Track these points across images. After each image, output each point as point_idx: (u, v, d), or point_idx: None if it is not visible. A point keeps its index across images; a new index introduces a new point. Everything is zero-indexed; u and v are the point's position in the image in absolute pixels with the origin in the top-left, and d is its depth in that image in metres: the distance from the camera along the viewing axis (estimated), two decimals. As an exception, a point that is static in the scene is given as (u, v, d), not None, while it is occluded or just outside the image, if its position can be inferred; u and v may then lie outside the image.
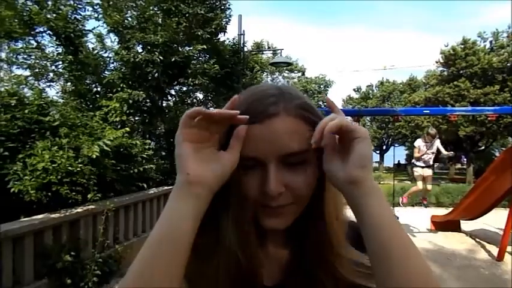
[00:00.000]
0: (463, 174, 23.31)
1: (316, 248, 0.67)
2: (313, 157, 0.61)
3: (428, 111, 8.94)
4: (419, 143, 7.01)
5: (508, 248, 5.91)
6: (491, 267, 5.57)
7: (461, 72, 20.52)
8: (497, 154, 23.60)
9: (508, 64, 19.56)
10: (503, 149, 17.53)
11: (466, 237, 7.18)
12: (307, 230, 0.68)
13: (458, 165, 28.10)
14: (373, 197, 0.56)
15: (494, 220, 7.20)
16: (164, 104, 9.17)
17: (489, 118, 7.02)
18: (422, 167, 6.83)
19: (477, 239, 7.01)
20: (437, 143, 6.95)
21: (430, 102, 21.06)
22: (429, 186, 6.84)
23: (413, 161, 7.14)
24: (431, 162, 6.95)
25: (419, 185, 6.92)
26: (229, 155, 0.59)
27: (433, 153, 6.86)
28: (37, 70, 7.78)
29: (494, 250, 6.10)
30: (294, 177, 0.61)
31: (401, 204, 7.35)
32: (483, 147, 23.86)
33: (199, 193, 0.56)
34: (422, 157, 6.86)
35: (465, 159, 24.15)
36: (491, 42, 21.30)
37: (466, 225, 7.42)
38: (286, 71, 21.86)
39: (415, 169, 7.02)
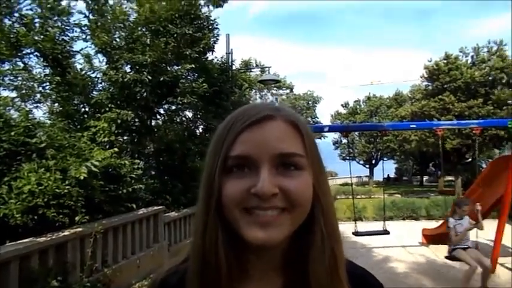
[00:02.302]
0: (452, 186, 23.55)
1: (315, 278, 0.59)
2: (307, 165, 0.59)
3: (415, 126, 9.10)
4: (451, 223, 5.35)
5: (500, 260, 5.95)
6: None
7: (445, 86, 21.01)
8: (484, 165, 23.95)
9: (490, 78, 20.12)
10: (490, 160, 17.84)
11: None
12: (301, 257, 0.60)
13: (448, 177, 28.41)
14: None
15: (483, 232, 7.25)
16: (153, 123, 9.13)
17: (474, 131, 7.13)
18: (465, 248, 5.22)
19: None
20: (467, 219, 5.35)
21: (416, 116, 21.43)
22: (487, 263, 5.10)
23: (451, 246, 5.37)
24: (470, 243, 5.35)
25: (473, 264, 5.00)
26: None
27: (470, 227, 5.31)
28: (24, 91, 7.70)
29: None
30: (288, 180, 0.57)
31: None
32: (470, 159, 24.23)
33: None
34: (462, 240, 5.27)
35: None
36: (472, 57, 21.93)
37: (457, 237, 7.44)
38: (275, 88, 22.08)
39: (457, 253, 5.23)
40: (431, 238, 7.72)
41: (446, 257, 5.48)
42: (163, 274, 0.68)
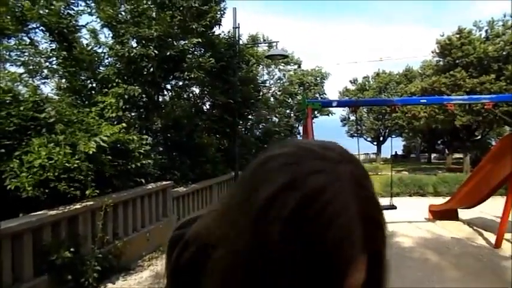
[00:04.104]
0: (460, 163, 23.41)
1: None
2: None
3: (425, 101, 8.95)
4: None
5: (506, 236, 5.97)
6: (489, 254, 5.61)
7: (457, 61, 20.51)
8: (493, 143, 23.70)
9: (504, 53, 19.56)
10: (500, 137, 17.61)
11: (463, 226, 7.23)
12: None
13: (456, 155, 28.21)
14: None
15: (491, 208, 7.25)
16: (160, 99, 9.11)
17: (486, 107, 6.99)
18: None
19: (475, 227, 7.06)
20: None
21: (426, 92, 21.06)
22: None
23: None
24: None
25: None
26: None
27: None
28: (31, 67, 7.70)
29: (492, 238, 6.15)
30: None
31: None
32: (479, 137, 23.95)
33: None
34: None
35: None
36: (486, 31, 21.27)
37: (464, 213, 7.47)
38: (282, 64, 21.75)
39: None
40: (438, 214, 7.75)
41: None
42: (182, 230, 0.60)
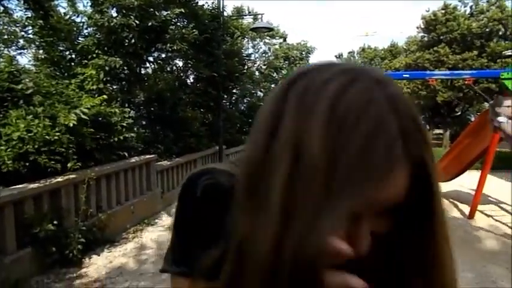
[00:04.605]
0: (440, 139, 23.99)
1: None
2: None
3: (408, 76, 9.02)
4: (501, 119, 5.26)
5: (479, 207, 6.24)
6: (463, 225, 5.88)
7: (441, 37, 20.60)
8: (472, 119, 24.29)
9: (487, 29, 19.73)
10: (479, 114, 18.06)
11: (440, 198, 7.50)
12: None
13: (436, 131, 28.85)
14: None
15: (466, 182, 7.53)
16: (143, 72, 8.92)
17: (466, 82, 7.13)
18: None
19: (451, 199, 7.34)
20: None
21: (410, 68, 21.20)
22: None
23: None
24: None
25: None
26: None
27: None
28: (6, 36, 7.40)
29: (466, 209, 6.43)
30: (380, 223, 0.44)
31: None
32: (460, 113, 24.47)
33: None
34: None
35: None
36: (471, 7, 21.32)
37: (441, 186, 7.73)
38: (267, 37, 21.42)
39: None
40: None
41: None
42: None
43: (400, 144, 0.39)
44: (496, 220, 6.03)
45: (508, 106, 5.28)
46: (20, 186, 3.85)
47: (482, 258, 4.51)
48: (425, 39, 22.19)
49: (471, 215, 6.14)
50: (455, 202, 7.16)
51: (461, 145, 6.95)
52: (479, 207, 6.26)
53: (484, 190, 6.24)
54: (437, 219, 0.46)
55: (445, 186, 7.73)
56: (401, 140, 0.39)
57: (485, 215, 6.31)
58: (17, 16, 7.32)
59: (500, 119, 5.23)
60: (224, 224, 0.46)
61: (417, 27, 22.52)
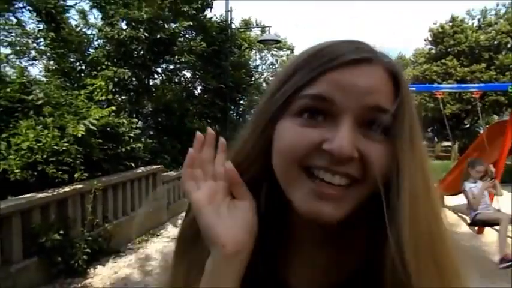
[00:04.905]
0: (449, 151, 23.77)
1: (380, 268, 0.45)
2: (398, 131, 0.45)
3: (414, 89, 8.99)
4: (468, 187, 5.25)
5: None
6: (472, 239, 5.78)
7: (449, 50, 20.59)
8: (481, 131, 24.06)
9: (495, 42, 19.68)
10: (487, 126, 17.92)
11: (449, 212, 7.39)
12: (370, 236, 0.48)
13: (444, 143, 28.61)
14: None
15: (476, 195, 7.40)
16: (151, 83, 9.04)
17: (474, 95, 7.09)
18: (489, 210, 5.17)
19: (459, 214, 7.23)
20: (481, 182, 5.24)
21: (417, 80, 21.16)
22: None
23: (472, 213, 5.25)
24: (488, 202, 5.26)
25: (504, 217, 5.01)
26: (245, 203, 0.48)
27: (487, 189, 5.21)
28: (18, 48, 7.57)
29: (475, 223, 6.31)
30: (371, 145, 0.44)
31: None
32: (468, 125, 24.27)
33: (240, 266, 0.46)
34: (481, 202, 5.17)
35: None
36: (479, 20, 21.32)
37: (450, 200, 7.63)
38: (275, 49, 21.60)
39: (482, 215, 5.18)
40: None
41: (470, 224, 5.39)
42: None
43: (368, 47, 0.47)
44: (507, 236, 5.91)
45: (479, 171, 5.26)
46: (28, 195, 3.89)
47: (492, 274, 4.41)
48: (433, 51, 22.19)
49: (480, 230, 6.03)
50: (464, 216, 7.05)
51: (470, 158, 6.86)
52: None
53: (493, 204, 6.14)
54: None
55: (453, 200, 7.67)
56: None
57: (495, 230, 6.19)
58: (29, 28, 7.49)
59: (466, 184, 5.26)
60: None
61: (424, 40, 22.56)
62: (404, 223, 0.43)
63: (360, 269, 0.50)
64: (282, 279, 0.52)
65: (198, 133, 0.51)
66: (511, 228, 5.15)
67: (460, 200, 7.62)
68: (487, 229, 6.10)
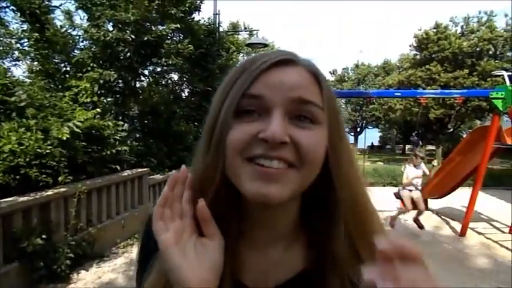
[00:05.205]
0: (433, 155, 24.18)
1: (330, 258, 0.54)
2: (324, 120, 0.52)
3: (399, 94, 9.15)
4: (408, 169, 6.44)
5: (470, 225, 6.26)
6: (454, 242, 5.89)
7: (433, 56, 21.00)
8: (464, 136, 24.57)
9: (477, 49, 20.16)
10: (470, 130, 18.31)
11: (432, 215, 7.52)
12: (315, 223, 0.56)
13: (429, 147, 29.09)
14: None
15: (458, 199, 7.57)
16: (138, 85, 8.94)
17: (457, 101, 7.25)
18: (410, 190, 6.31)
19: (443, 217, 7.37)
20: (423, 167, 6.49)
21: (402, 85, 21.51)
22: (422, 207, 6.26)
23: (400, 187, 6.58)
24: (420, 187, 6.43)
25: (409, 206, 6.27)
26: (213, 242, 0.52)
27: (421, 176, 6.46)
28: (1, 48, 7.40)
29: (458, 226, 6.44)
30: (301, 132, 0.50)
31: (391, 227, 6.41)
32: (452, 129, 24.75)
33: None
34: (413, 181, 6.33)
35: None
36: (462, 27, 21.83)
37: (433, 203, 7.77)
38: (263, 52, 21.68)
39: (402, 192, 6.42)
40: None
41: (394, 194, 6.58)
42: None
43: (292, 54, 0.55)
44: (488, 238, 6.05)
45: (418, 160, 6.38)
46: (10, 199, 3.80)
47: (473, 276, 4.51)
48: (418, 57, 22.60)
49: (463, 232, 6.16)
50: (447, 219, 7.19)
51: (453, 162, 7.01)
52: (471, 224, 6.28)
53: (476, 207, 6.28)
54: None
55: (437, 203, 7.81)
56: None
57: (477, 232, 6.33)
58: (12, 28, 7.34)
59: (408, 167, 6.51)
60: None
61: (410, 45, 22.95)
62: (344, 200, 0.53)
63: (309, 261, 0.57)
64: (237, 280, 0.56)
65: (174, 173, 0.54)
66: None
67: (443, 203, 7.78)
68: (469, 232, 6.23)
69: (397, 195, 6.53)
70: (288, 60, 0.53)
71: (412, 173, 6.32)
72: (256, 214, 0.55)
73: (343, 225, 0.54)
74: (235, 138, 0.50)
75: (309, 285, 0.55)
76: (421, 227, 6.35)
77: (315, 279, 0.55)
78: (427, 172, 6.76)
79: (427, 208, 7.84)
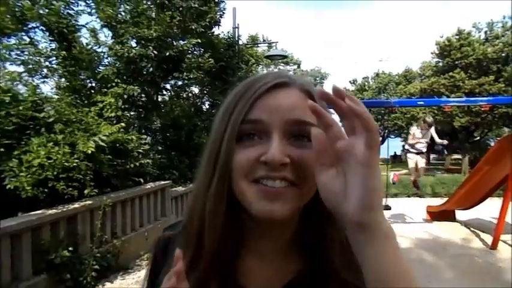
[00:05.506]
0: (459, 164, 23.46)
1: (326, 263, 0.58)
2: None
3: (422, 103, 8.99)
4: (414, 130, 6.95)
5: (502, 237, 6.00)
6: (485, 255, 5.64)
7: (456, 63, 20.57)
8: (492, 144, 23.77)
9: (503, 54, 19.63)
10: (498, 139, 17.72)
11: (460, 227, 7.26)
12: (313, 239, 0.60)
13: (454, 156, 28.27)
14: (383, 246, 0.44)
15: (488, 209, 7.28)
16: (159, 99, 9.15)
17: (483, 108, 7.06)
18: (416, 153, 6.76)
19: (471, 228, 7.09)
20: (432, 131, 6.90)
21: (425, 93, 21.13)
22: (420, 172, 6.77)
23: (406, 147, 7.11)
24: (424, 150, 6.86)
25: (412, 170, 6.90)
26: None
27: (427, 142, 6.81)
28: (31, 66, 7.74)
29: (488, 239, 6.18)
30: (299, 151, 0.54)
31: (391, 182, 7.45)
32: (478, 138, 24.01)
33: None
34: (416, 145, 6.80)
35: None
36: (486, 32, 21.34)
37: (461, 214, 7.51)
38: (282, 64, 21.79)
39: (408, 155, 6.96)
40: (435, 215, 7.77)
41: (402, 150, 7.04)
42: (168, 233, 0.70)
43: (287, 75, 0.59)
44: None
45: (427, 123, 6.76)
46: (38, 212, 3.92)
47: (507, 291, 4.30)
48: (440, 64, 22.20)
49: (494, 245, 5.90)
50: (477, 231, 6.91)
51: (481, 172, 6.76)
52: (502, 236, 6.02)
53: (507, 219, 6.02)
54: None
55: (465, 215, 7.54)
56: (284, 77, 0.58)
57: (509, 245, 6.05)
58: (41, 47, 7.68)
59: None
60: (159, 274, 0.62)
61: (431, 53, 22.59)
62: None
63: (306, 265, 0.61)
64: (242, 285, 0.60)
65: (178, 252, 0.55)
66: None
67: (472, 214, 7.50)
68: (501, 244, 5.97)
69: (404, 156, 6.92)
70: (282, 83, 0.56)
71: (418, 135, 6.70)
72: (261, 228, 0.59)
73: (339, 232, 0.56)
74: (239, 163, 0.54)
75: (305, 287, 0.59)
76: (417, 187, 7.42)
77: (311, 281, 0.59)
78: (438, 140, 7.00)
79: (454, 219, 7.61)
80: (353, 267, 0.54)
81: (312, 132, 0.49)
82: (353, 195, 0.44)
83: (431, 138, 6.93)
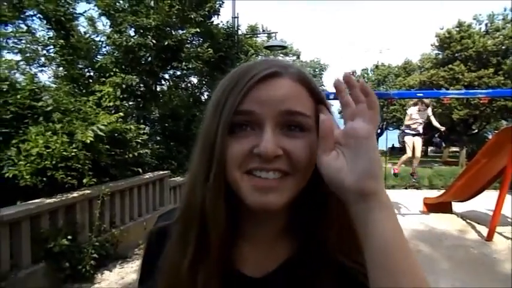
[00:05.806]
0: (457, 157, 23.56)
1: (320, 245, 0.59)
2: (314, 128, 0.55)
3: (421, 95, 8.94)
4: (412, 110, 6.98)
5: (497, 229, 6.06)
6: (481, 247, 5.70)
7: (456, 55, 20.51)
8: (490, 137, 23.83)
9: (503, 47, 19.56)
10: (496, 131, 17.74)
11: (457, 219, 7.32)
12: (309, 222, 0.60)
13: (452, 149, 28.35)
14: (384, 214, 0.48)
15: (484, 202, 7.34)
16: (158, 89, 9.11)
17: (482, 101, 7.06)
18: (413, 135, 6.76)
19: (468, 220, 7.15)
20: (429, 112, 6.94)
21: (424, 85, 21.09)
22: (418, 154, 6.74)
23: (402, 127, 7.16)
24: (421, 131, 6.88)
25: (409, 153, 6.87)
26: None
27: (424, 121, 6.84)
28: (28, 55, 7.69)
29: (484, 230, 6.24)
30: (292, 141, 0.54)
31: (393, 175, 7.54)
32: (476, 130, 24.06)
33: None
34: (413, 125, 6.81)
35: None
36: (486, 25, 21.23)
37: (458, 206, 7.56)
38: (281, 55, 21.66)
39: (405, 138, 6.96)
40: (432, 207, 7.83)
41: (398, 136, 7.23)
42: (161, 224, 0.73)
43: (280, 64, 0.58)
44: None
45: (424, 103, 6.85)
46: (37, 200, 3.93)
47: (501, 282, 4.36)
48: (440, 56, 22.12)
49: (489, 237, 5.96)
50: (473, 223, 6.97)
51: (478, 164, 6.79)
52: (498, 228, 6.08)
53: (503, 211, 6.07)
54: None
55: (462, 207, 7.59)
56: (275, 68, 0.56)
57: (504, 237, 6.11)
58: (39, 35, 7.62)
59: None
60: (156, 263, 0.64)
61: (431, 45, 22.50)
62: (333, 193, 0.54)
63: (298, 248, 0.62)
64: (238, 270, 0.61)
65: None
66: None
67: (468, 206, 7.56)
68: (496, 236, 6.03)
69: (400, 140, 7.01)
70: (274, 73, 0.55)
71: (415, 116, 6.74)
72: (256, 216, 0.59)
73: (333, 216, 0.58)
74: (233, 154, 0.54)
75: (296, 269, 0.60)
76: (413, 173, 7.50)
77: (304, 263, 0.60)
78: (435, 122, 7.18)
79: (451, 211, 7.66)
80: (352, 250, 0.56)
81: (320, 117, 0.53)
82: (358, 167, 0.49)
83: (428, 117, 6.98)
